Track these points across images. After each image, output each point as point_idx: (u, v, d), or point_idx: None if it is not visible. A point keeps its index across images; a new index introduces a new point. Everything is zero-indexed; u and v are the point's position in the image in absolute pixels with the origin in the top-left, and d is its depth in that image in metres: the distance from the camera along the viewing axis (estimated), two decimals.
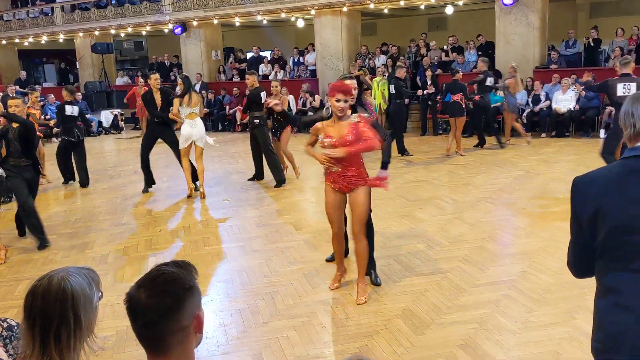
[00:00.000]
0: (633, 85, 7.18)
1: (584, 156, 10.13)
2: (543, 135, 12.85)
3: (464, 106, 11.05)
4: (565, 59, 14.29)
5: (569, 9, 17.05)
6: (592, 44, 14.22)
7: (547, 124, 12.86)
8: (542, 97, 13.00)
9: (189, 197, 8.77)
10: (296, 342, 4.20)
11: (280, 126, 9.47)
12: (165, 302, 1.55)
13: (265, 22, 19.17)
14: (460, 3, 16.13)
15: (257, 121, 9.28)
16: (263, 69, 17.98)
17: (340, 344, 4.14)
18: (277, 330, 4.39)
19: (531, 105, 13.02)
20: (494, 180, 8.92)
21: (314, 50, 17.76)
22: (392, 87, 11.57)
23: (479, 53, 15.13)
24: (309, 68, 17.87)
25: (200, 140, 8.62)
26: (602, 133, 12.20)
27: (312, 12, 16.85)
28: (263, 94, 9.14)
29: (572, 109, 12.52)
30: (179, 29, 19.13)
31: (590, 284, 4.63)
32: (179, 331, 1.57)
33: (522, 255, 5.65)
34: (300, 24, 18.43)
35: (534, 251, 5.73)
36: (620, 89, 7.21)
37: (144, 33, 22.50)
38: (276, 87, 9.47)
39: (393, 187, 8.87)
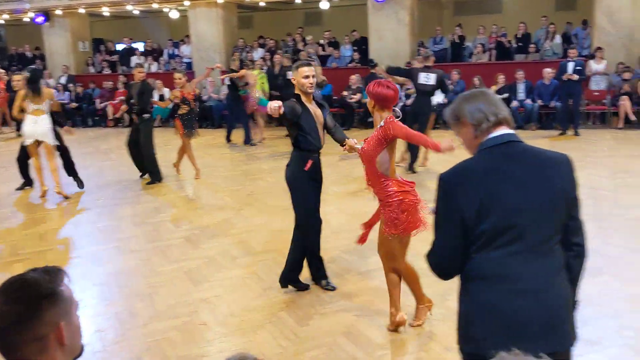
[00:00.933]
0: (432, 76, 8.53)
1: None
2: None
3: None
4: (434, 54, 15.02)
5: (435, 7, 17.97)
6: (457, 41, 15.09)
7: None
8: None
9: (42, 196, 8.24)
10: (178, 342, 4.08)
11: (191, 122, 9.05)
12: (16, 309, 1.42)
13: (137, 12, 18.37)
14: None
15: (147, 116, 8.94)
16: (136, 61, 17.25)
17: (224, 341, 4.08)
18: (157, 331, 4.24)
19: (404, 99, 13.57)
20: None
21: (189, 42, 17.32)
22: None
23: (354, 48, 15.55)
24: (185, 60, 17.41)
25: (44, 138, 8.04)
26: None
27: (186, 3, 16.40)
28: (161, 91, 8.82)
29: (441, 102, 13.20)
30: (41, 18, 17.83)
31: None
32: (35, 341, 1.44)
33: None
34: (175, 15, 17.87)
35: (414, 238, 5.97)
36: (422, 78, 8.47)
37: (2, 22, 20.72)
38: (180, 79, 8.97)
39: (276, 179, 8.90)
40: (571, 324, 2.17)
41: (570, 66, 11.50)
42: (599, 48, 12.38)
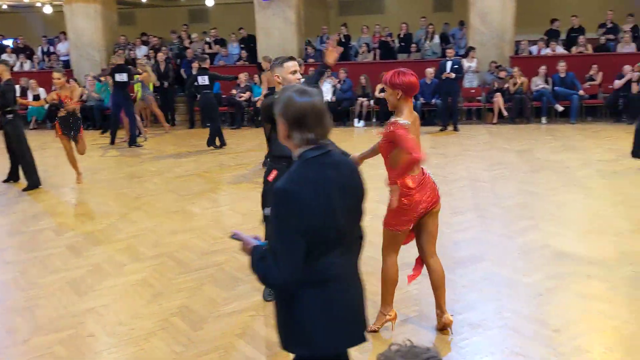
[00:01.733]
0: (206, 78, 10.03)
1: (341, 144, 10.92)
2: None
3: None
4: (322, 53, 15.25)
5: (321, 6, 18.25)
6: (343, 40, 15.42)
7: None
8: None
9: None
10: (64, 357, 3.84)
11: (75, 125, 8.46)
12: None
13: (5, 6, 17.09)
14: None
15: (10, 116, 8.30)
16: (5, 58, 16.03)
17: (114, 352, 3.89)
18: (40, 347, 3.97)
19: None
20: (258, 168, 9.19)
21: (66, 39, 16.37)
22: (202, 78, 11.09)
23: (242, 46, 15.44)
24: (62, 58, 16.45)
25: None
26: (356, 122, 13.35)
27: None
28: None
29: (330, 100, 13.45)
30: None
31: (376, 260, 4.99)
32: None
33: None
34: (48, 10, 16.83)
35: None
36: (200, 80, 9.84)
37: None
38: (59, 78, 8.31)
39: (162, 182, 8.63)
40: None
41: (448, 65, 12.13)
42: (471, 47, 13.11)
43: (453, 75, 12.00)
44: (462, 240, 5.69)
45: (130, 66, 12.29)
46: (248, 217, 6.74)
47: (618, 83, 12.28)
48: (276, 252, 2.14)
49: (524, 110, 12.77)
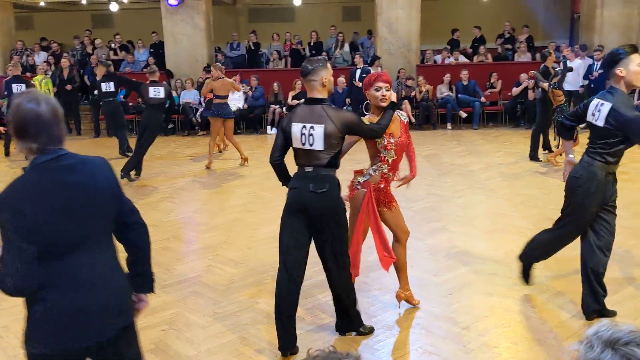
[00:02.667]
0: (161, 90, 9.00)
1: (255, 151, 10.88)
2: None
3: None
4: (232, 60, 15.17)
5: (231, 13, 18.14)
6: (252, 47, 15.39)
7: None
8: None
9: None
10: None
11: None
12: None
13: None
14: (125, 0, 15.76)
15: None
16: None
17: None
18: None
19: (204, 105, 13.47)
20: (175, 179, 8.98)
21: None
22: (107, 84, 10.56)
23: (151, 51, 15.05)
24: None
25: None
26: (269, 129, 13.33)
27: None
28: None
29: (241, 108, 13.36)
30: None
31: (267, 269, 4.99)
32: None
33: (206, 250, 5.81)
34: None
35: (216, 244, 5.95)
36: (152, 92, 8.94)
37: None
38: None
39: None
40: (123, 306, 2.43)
41: (357, 73, 12.38)
42: (376, 57, 13.30)
43: (360, 84, 12.25)
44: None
45: (27, 79, 11.61)
46: (158, 228, 6.55)
47: (515, 90, 13.01)
48: (4, 259, 2.15)
49: (430, 116, 13.26)
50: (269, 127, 13.42)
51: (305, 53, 15.34)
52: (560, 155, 9.21)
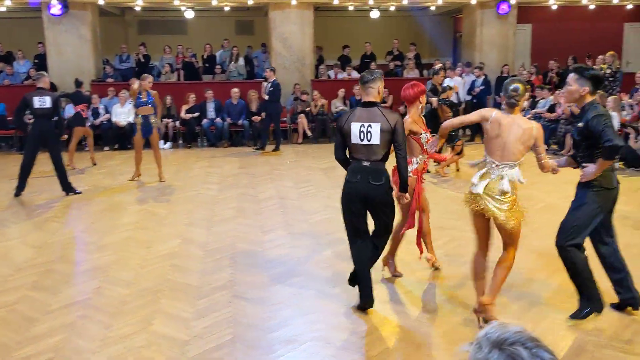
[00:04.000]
0: (47, 99, 8.34)
1: (148, 166, 10.52)
2: (106, 148, 12.87)
3: (85, 116, 11.55)
4: (121, 72, 14.63)
5: (119, 24, 17.52)
6: (142, 60, 14.94)
7: (109, 137, 12.93)
8: (102, 111, 13.01)
9: None
10: None
11: None
12: None
13: None
14: (3, 9, 14.77)
15: None
16: None
17: None
18: None
19: (91, 118, 12.88)
20: (60, 197, 8.46)
21: None
22: (40, 99, 9.57)
23: (36, 62, 14.20)
24: None
25: None
26: (162, 144, 12.93)
27: None
28: None
29: (132, 122, 12.88)
30: None
31: (161, 289, 4.84)
32: None
33: (96, 271, 5.52)
34: None
35: (106, 265, 5.67)
36: (36, 102, 8.31)
37: None
38: None
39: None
40: None
41: (267, 87, 12.30)
42: (270, 69, 13.22)
43: (267, 97, 12.19)
44: (275, 258, 5.78)
45: None
46: (43, 249, 6.15)
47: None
48: None
49: (326, 130, 13.49)
50: (161, 142, 13.02)
51: (199, 66, 15.13)
52: (448, 166, 9.67)
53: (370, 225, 4.54)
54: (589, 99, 4.10)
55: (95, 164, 11.03)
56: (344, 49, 15.76)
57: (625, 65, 15.84)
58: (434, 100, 9.38)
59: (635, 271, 5.35)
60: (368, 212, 4.48)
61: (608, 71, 11.90)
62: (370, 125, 4.22)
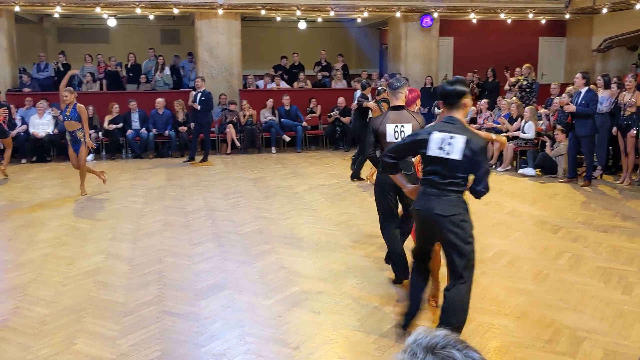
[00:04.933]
0: None
1: (68, 179, 10.14)
2: (23, 161, 12.29)
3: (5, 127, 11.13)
4: (39, 82, 14.05)
5: (37, 31, 16.83)
6: (62, 68, 14.40)
7: (26, 149, 12.36)
8: (18, 122, 12.43)
9: None
10: None
11: None
12: None
13: None
14: None
15: None
16: None
17: None
18: None
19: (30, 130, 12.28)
20: None
21: None
22: None
23: None
24: None
25: None
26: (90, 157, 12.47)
27: None
28: None
29: (51, 133, 12.41)
30: None
31: (84, 307, 4.66)
32: None
33: (13, 290, 5.24)
34: None
35: (25, 284, 5.40)
36: None
37: None
38: None
39: None
40: None
41: (198, 96, 12.10)
42: (200, 78, 13.04)
43: (199, 106, 11.99)
44: (203, 270, 5.68)
45: None
46: None
47: (334, 115, 13.70)
48: None
49: (255, 140, 13.43)
50: (91, 155, 12.56)
51: (123, 75, 14.74)
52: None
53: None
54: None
55: (6, 177, 10.47)
56: (282, 59, 15.84)
57: (540, 77, 16.68)
58: (370, 103, 9.59)
59: (556, 273, 5.62)
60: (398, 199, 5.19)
61: (525, 82, 12.49)
62: (403, 126, 4.87)
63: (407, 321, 4.21)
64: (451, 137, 3.72)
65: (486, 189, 3.77)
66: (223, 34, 14.17)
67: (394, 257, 5.24)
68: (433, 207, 3.79)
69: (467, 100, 3.89)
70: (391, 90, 5.04)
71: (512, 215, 7.66)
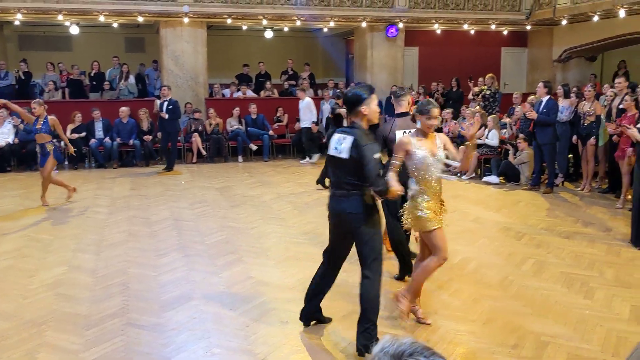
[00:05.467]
0: None
1: (30, 190, 9.91)
2: None
3: None
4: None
5: None
6: (23, 77, 14.11)
7: None
8: None
9: None
10: None
11: None
12: None
13: None
14: None
15: None
16: None
17: None
18: None
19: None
20: None
21: None
22: None
23: None
24: None
25: None
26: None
27: None
28: None
29: (11, 142, 12.11)
30: None
31: (46, 320, 4.55)
32: None
33: None
34: None
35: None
36: None
37: None
38: None
39: None
40: None
41: (165, 105, 11.96)
42: (166, 87, 12.87)
43: (167, 115, 11.87)
44: (169, 281, 5.60)
45: None
46: None
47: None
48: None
49: (221, 149, 13.34)
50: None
51: (87, 84, 14.50)
52: None
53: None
54: None
55: None
56: (244, 67, 15.78)
57: (503, 86, 17.01)
58: (342, 111, 9.67)
59: (520, 279, 5.71)
60: None
61: (488, 92, 12.72)
62: (410, 131, 4.96)
63: (301, 314, 4.57)
64: (344, 138, 4.07)
65: (378, 186, 3.96)
66: (189, 42, 14.08)
67: (401, 250, 5.64)
68: (342, 206, 4.10)
69: (364, 107, 4.09)
70: (395, 98, 5.57)
71: (477, 223, 7.77)
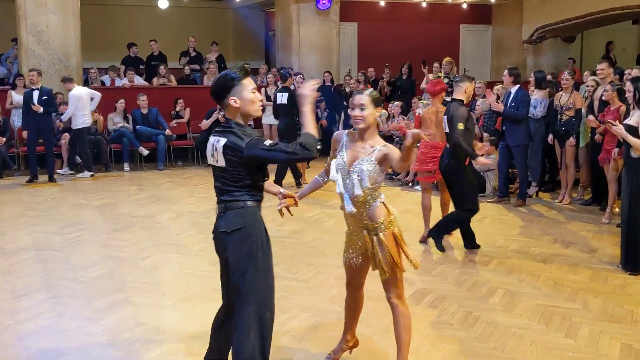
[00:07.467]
0: None
1: None
2: None
3: None
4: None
5: None
6: None
7: None
8: None
9: None
10: None
11: None
12: None
13: None
14: None
15: None
16: None
17: None
18: None
19: None
20: None
21: None
22: None
23: None
24: None
25: None
26: None
27: None
28: None
29: None
30: None
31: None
32: None
33: None
34: None
35: None
36: None
37: None
38: None
39: None
40: None
41: (35, 95, 11.57)
42: (36, 71, 12.49)
43: (41, 109, 11.52)
44: (31, 332, 5.43)
45: None
46: None
47: (206, 123, 13.31)
48: None
49: (101, 154, 13.06)
50: None
51: None
52: None
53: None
54: None
55: None
56: (131, 47, 15.52)
57: (463, 73, 17.54)
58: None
59: (488, 315, 5.90)
60: None
61: (445, 81, 13.06)
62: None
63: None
64: (217, 141, 3.88)
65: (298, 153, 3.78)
66: (55, 14, 13.71)
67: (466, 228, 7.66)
68: (219, 225, 3.97)
69: (232, 99, 3.84)
70: (455, 82, 7.47)
71: (432, 244, 7.91)
